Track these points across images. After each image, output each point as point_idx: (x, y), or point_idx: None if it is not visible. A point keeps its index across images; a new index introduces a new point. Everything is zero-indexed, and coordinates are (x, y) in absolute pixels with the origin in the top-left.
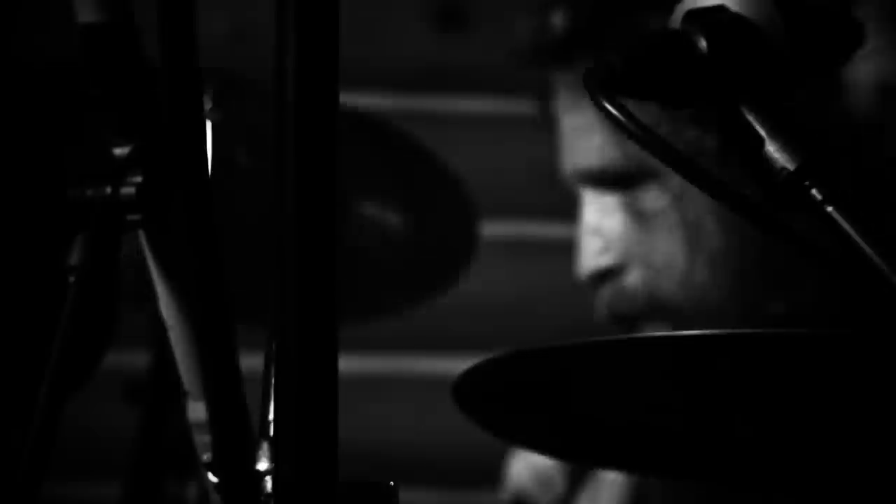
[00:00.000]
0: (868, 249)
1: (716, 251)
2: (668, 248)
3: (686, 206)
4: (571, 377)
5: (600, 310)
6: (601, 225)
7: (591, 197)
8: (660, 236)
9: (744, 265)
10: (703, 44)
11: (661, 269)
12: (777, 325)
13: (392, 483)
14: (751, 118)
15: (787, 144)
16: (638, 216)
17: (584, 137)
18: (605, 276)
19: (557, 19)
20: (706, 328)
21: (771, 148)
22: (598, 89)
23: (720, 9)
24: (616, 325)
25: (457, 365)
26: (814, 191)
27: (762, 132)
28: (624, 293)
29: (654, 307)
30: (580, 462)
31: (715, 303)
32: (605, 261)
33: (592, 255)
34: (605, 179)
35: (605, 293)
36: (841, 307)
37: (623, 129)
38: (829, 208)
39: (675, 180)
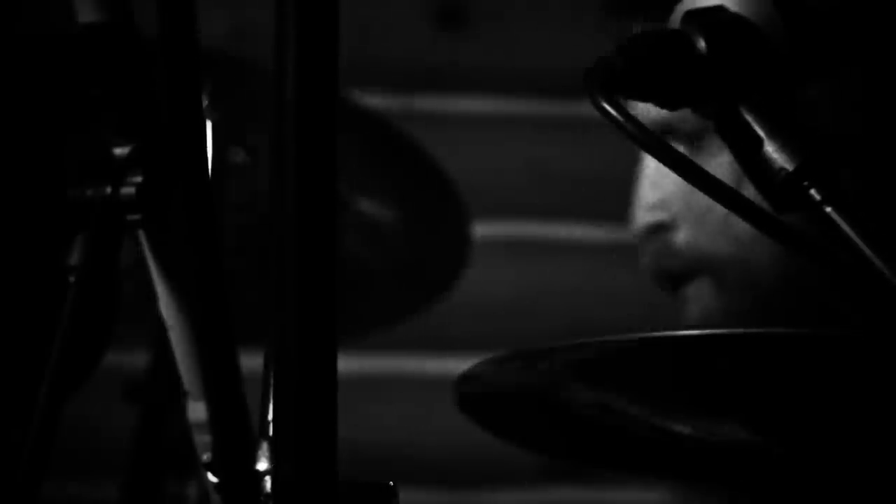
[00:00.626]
0: (868, 250)
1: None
2: (699, 200)
3: (724, 164)
4: (571, 377)
5: (646, 265)
6: (659, 178)
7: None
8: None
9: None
10: (702, 44)
11: (703, 221)
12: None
13: (392, 483)
14: (750, 118)
15: (786, 144)
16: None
17: None
18: (657, 230)
19: None
20: (750, 289)
21: (770, 148)
22: (597, 89)
23: (720, 9)
24: (659, 284)
25: (457, 365)
26: (813, 191)
27: (761, 132)
28: (670, 249)
29: (699, 264)
30: (580, 462)
31: (759, 259)
32: (658, 216)
33: (647, 208)
34: (670, 131)
35: (653, 247)
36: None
37: (622, 129)
38: (829, 208)
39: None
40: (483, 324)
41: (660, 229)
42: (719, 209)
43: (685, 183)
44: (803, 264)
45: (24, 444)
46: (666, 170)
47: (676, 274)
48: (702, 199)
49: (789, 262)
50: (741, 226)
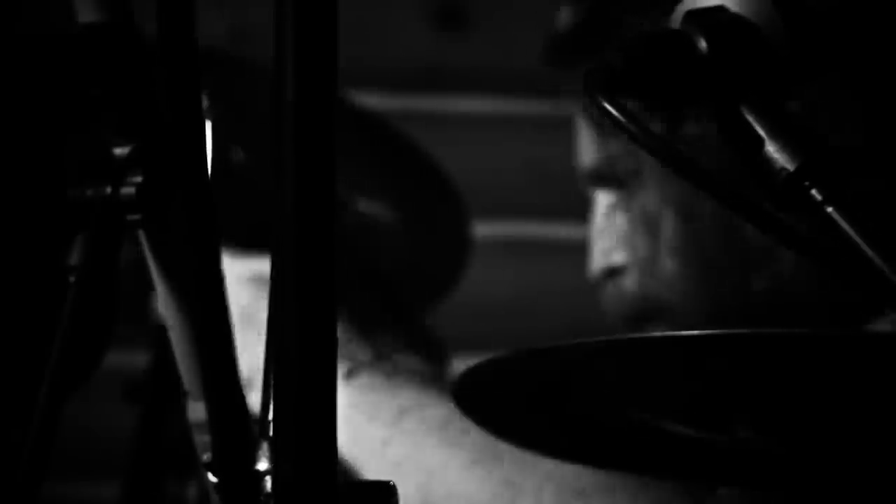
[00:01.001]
0: (868, 250)
1: (674, 241)
2: (638, 244)
3: (644, 202)
4: (571, 377)
5: (604, 309)
6: (608, 224)
7: (601, 196)
8: (638, 234)
9: (706, 252)
10: (702, 44)
11: (645, 268)
12: (763, 300)
13: (392, 483)
14: (750, 118)
15: (787, 145)
16: (632, 216)
17: (582, 136)
18: (610, 275)
19: (562, 17)
20: (692, 322)
21: (771, 148)
22: (598, 89)
23: (720, 9)
24: (624, 326)
25: (457, 365)
26: (814, 191)
27: (762, 132)
28: (623, 294)
29: (649, 309)
30: (580, 462)
31: (686, 293)
32: (612, 260)
33: (601, 254)
34: (600, 179)
35: (608, 292)
36: (820, 276)
37: (623, 129)
38: (830, 209)
39: (640, 177)
40: (483, 324)
41: (613, 274)
42: (661, 256)
43: (630, 230)
44: (742, 281)
45: (24, 444)
46: (612, 213)
47: (632, 317)
48: (644, 246)
49: (723, 295)
50: (675, 270)
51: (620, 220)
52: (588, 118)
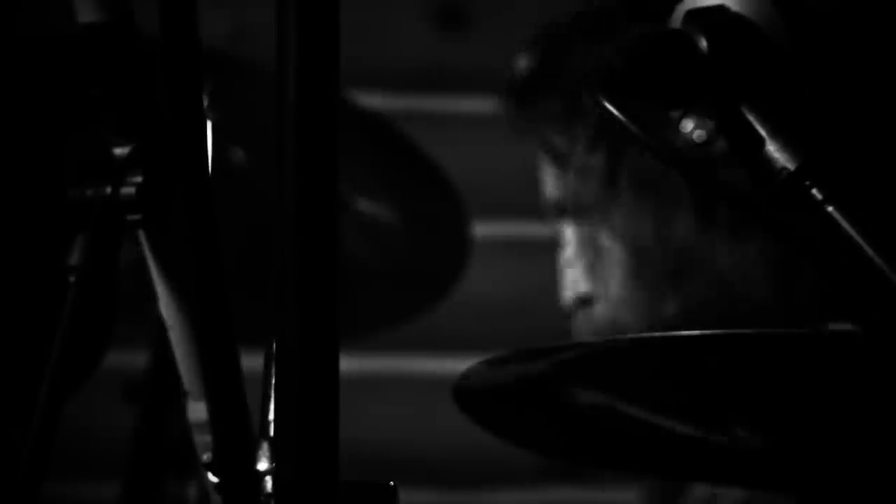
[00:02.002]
0: (868, 250)
1: (623, 271)
2: (599, 274)
3: (601, 233)
4: (571, 377)
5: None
6: (575, 255)
7: (566, 228)
8: (599, 264)
9: (641, 275)
10: (703, 44)
11: (609, 295)
12: (669, 326)
13: (392, 483)
14: (751, 118)
15: (787, 144)
16: (593, 247)
17: (544, 171)
18: (582, 304)
19: (520, 62)
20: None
21: (771, 148)
22: (599, 90)
23: (720, 9)
24: None
25: (457, 365)
26: (814, 191)
27: (762, 132)
28: (592, 321)
29: (614, 332)
30: (580, 462)
31: (640, 318)
32: (580, 289)
33: (570, 284)
34: (562, 212)
35: (579, 320)
36: (730, 304)
37: (624, 129)
38: (830, 208)
39: (595, 211)
40: (483, 324)
41: (584, 303)
42: (623, 283)
43: (593, 261)
44: (655, 306)
45: (24, 444)
46: (580, 244)
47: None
48: (604, 276)
49: (643, 308)
50: (627, 297)
51: (585, 251)
52: (548, 153)
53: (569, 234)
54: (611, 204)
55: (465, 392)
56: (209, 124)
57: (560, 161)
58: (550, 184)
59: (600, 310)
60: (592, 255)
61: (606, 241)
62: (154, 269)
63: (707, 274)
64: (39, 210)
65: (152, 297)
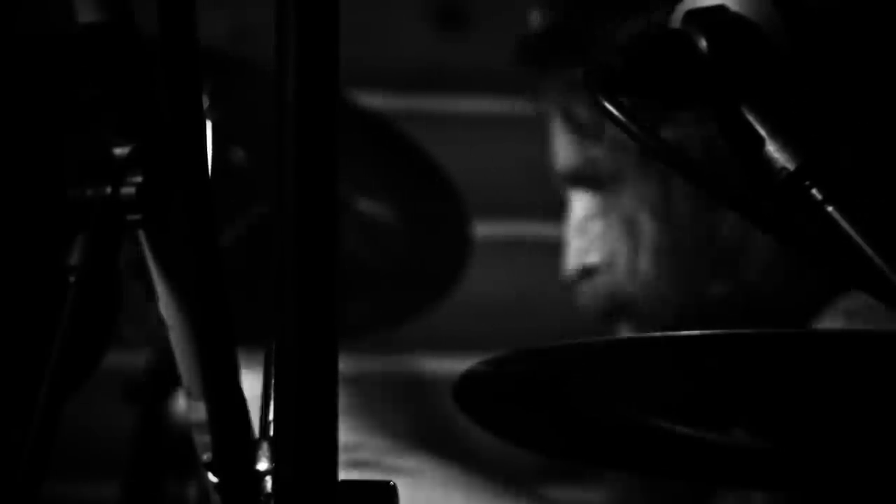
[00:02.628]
0: (868, 250)
1: (652, 243)
2: (614, 246)
3: (623, 203)
4: (571, 377)
5: (580, 306)
6: (585, 225)
7: (577, 197)
8: (610, 235)
9: (680, 253)
10: (703, 44)
11: (613, 267)
12: (718, 306)
13: (392, 483)
14: (751, 118)
15: (787, 144)
16: (609, 217)
17: (558, 138)
18: (585, 274)
19: (534, 19)
20: (658, 323)
21: (771, 148)
22: (598, 89)
23: (720, 9)
24: (596, 322)
25: (457, 365)
26: (814, 191)
27: (762, 132)
28: (596, 291)
29: (617, 306)
30: (580, 462)
31: (660, 294)
32: (587, 260)
33: (576, 253)
34: (579, 180)
35: (582, 290)
36: (785, 284)
37: (624, 128)
38: (830, 208)
39: (617, 179)
40: (483, 324)
41: (587, 273)
42: (637, 257)
43: (604, 229)
44: (703, 285)
45: (24, 444)
46: (589, 214)
47: (605, 313)
48: (621, 247)
49: (688, 296)
50: (650, 271)
51: (597, 221)
52: (565, 120)
53: (580, 203)
54: (650, 179)
55: (465, 392)
56: (209, 124)
57: (583, 130)
58: (564, 151)
59: (604, 281)
60: (615, 226)
61: (637, 214)
62: (154, 269)
63: (753, 262)
64: (39, 210)
65: (152, 297)
